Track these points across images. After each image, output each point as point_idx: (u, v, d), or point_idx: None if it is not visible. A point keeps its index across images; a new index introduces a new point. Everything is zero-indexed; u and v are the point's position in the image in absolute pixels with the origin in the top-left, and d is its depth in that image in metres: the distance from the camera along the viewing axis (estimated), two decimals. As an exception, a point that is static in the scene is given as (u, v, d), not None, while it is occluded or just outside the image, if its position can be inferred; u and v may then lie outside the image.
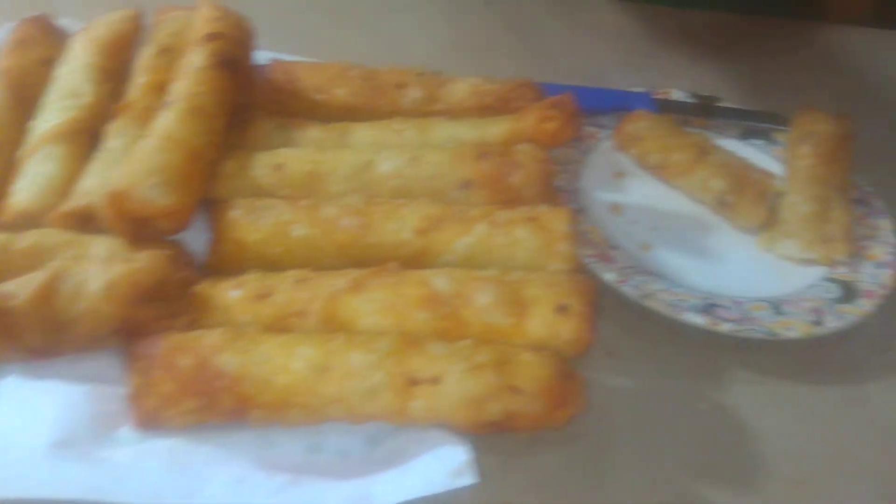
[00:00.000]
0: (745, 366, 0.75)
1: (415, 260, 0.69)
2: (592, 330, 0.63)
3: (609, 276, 0.76)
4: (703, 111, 0.97)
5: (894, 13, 1.25)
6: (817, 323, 0.74)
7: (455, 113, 0.84)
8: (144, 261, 0.63)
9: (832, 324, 0.74)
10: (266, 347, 0.59)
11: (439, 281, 0.65)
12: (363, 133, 0.80)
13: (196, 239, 0.72)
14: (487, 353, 0.60)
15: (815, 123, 0.90)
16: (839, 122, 0.90)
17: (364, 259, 0.69)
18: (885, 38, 1.23)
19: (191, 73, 0.76)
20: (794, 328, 0.74)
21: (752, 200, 0.85)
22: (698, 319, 0.73)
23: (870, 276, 0.80)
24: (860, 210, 0.87)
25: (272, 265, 0.69)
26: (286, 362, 0.59)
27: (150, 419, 0.59)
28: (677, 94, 0.99)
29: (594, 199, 0.87)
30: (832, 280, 0.80)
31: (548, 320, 0.63)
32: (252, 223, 0.70)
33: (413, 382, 0.58)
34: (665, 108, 0.96)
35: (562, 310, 0.63)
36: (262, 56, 0.89)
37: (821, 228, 0.82)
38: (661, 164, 0.89)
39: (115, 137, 0.76)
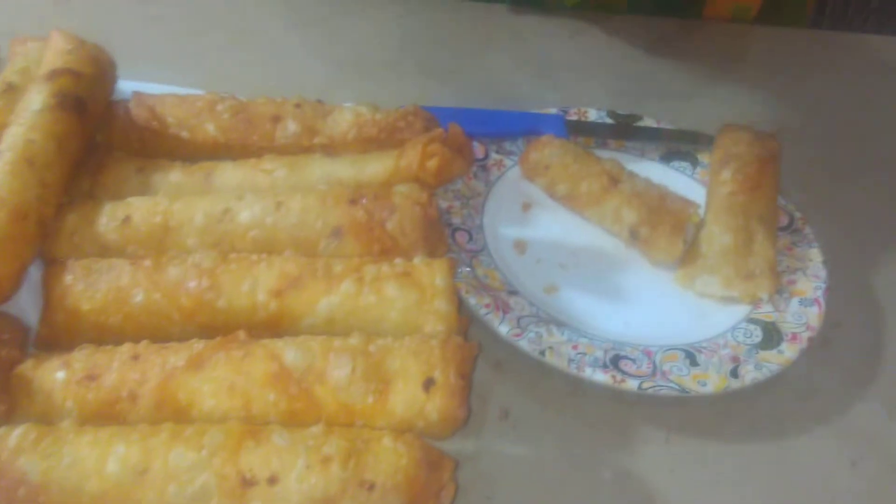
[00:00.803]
0: (654, 423, 0.67)
1: (272, 326, 0.61)
2: (463, 407, 0.55)
3: (504, 329, 0.68)
4: (620, 132, 0.89)
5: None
6: (734, 375, 0.67)
7: (336, 147, 0.76)
8: (-55, 344, 0.55)
9: (750, 376, 0.67)
10: (76, 447, 0.51)
11: (290, 354, 0.56)
12: (229, 174, 0.72)
13: (34, 308, 0.64)
14: (337, 441, 0.52)
15: (738, 144, 0.83)
16: (763, 143, 0.83)
17: (214, 326, 0.61)
18: (821, 38, 1.16)
19: (26, 118, 0.68)
20: (709, 382, 0.66)
21: (668, 233, 0.77)
22: (601, 377, 0.65)
23: (794, 316, 0.72)
24: (787, 238, 0.80)
25: (112, 337, 0.61)
26: (99, 465, 0.50)
27: (-53, 533, 0.51)
28: (594, 114, 0.91)
29: (498, 235, 0.79)
30: (754, 321, 0.73)
31: (413, 397, 0.55)
32: (87, 289, 0.62)
33: (247, 483, 0.50)
34: (578, 130, 0.88)
35: (429, 384, 0.55)
36: (127, 86, 0.80)
37: (743, 263, 0.75)
38: (569, 194, 0.81)
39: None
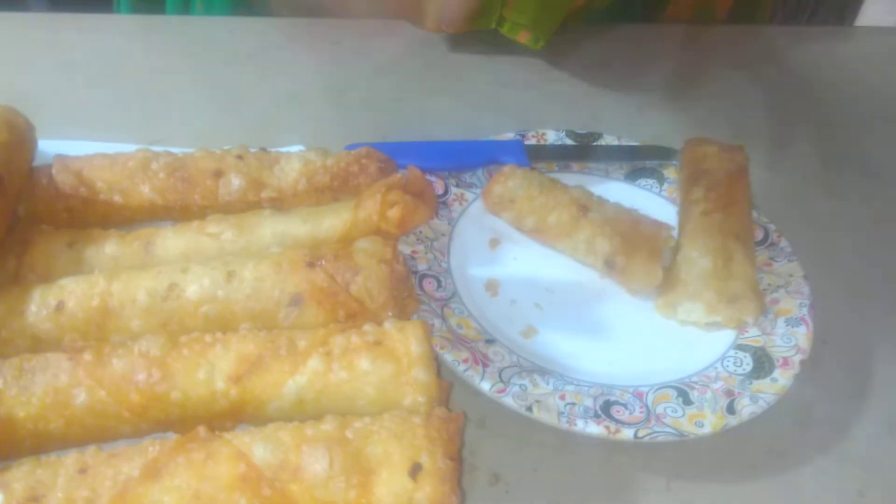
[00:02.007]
0: (652, 469, 0.63)
1: (234, 415, 0.55)
2: (456, 493, 0.50)
3: (486, 386, 0.63)
4: (583, 154, 0.85)
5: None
6: (730, 410, 0.63)
7: (286, 200, 0.70)
8: None
9: (747, 410, 0.63)
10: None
11: (259, 450, 0.51)
12: (171, 242, 0.66)
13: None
14: (322, 549, 0.47)
15: (706, 159, 0.79)
16: (731, 156, 0.79)
17: (169, 421, 0.55)
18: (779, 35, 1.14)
19: (-65, 201, 0.60)
20: (706, 422, 0.62)
21: (644, 260, 0.73)
22: (594, 429, 0.61)
23: (783, 339, 0.69)
24: (765, 254, 0.77)
25: (54, 444, 0.55)
26: None
27: None
28: (553, 136, 0.87)
29: (467, 278, 0.74)
30: (743, 348, 0.69)
31: (400, 487, 0.50)
32: (21, 392, 0.55)
33: None
34: (539, 155, 0.84)
35: (416, 470, 0.50)
36: (46, 147, 0.73)
37: (724, 286, 0.71)
38: (538, 226, 0.76)
39: None
